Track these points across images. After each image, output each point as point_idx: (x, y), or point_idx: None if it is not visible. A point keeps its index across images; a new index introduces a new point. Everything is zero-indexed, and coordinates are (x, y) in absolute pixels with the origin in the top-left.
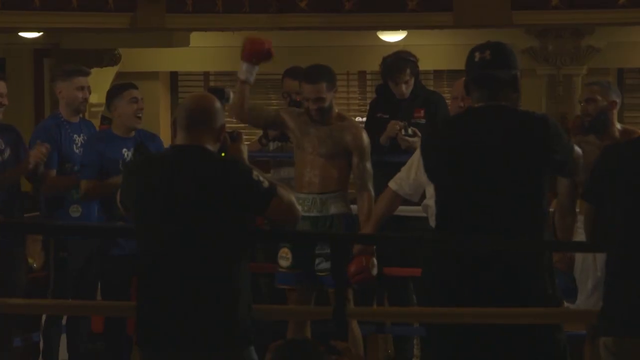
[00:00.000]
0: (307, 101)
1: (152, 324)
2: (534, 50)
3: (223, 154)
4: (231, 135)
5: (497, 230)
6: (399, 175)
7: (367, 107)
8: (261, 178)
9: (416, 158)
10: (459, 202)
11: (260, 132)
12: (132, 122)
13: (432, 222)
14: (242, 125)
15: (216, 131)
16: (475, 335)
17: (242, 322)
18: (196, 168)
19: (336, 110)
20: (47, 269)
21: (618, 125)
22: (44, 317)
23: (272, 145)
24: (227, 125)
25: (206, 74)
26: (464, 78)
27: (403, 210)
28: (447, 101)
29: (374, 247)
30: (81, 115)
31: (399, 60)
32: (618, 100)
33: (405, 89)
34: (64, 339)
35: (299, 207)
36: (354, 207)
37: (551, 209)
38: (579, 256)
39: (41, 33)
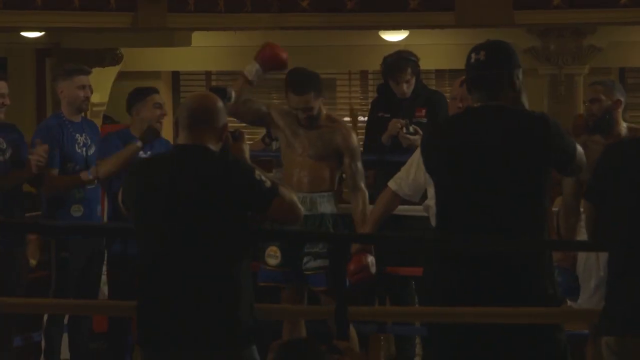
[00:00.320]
0: (296, 110)
1: (153, 324)
2: (535, 49)
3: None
4: (233, 134)
5: (497, 230)
6: (398, 175)
7: (369, 107)
8: (263, 177)
9: (416, 158)
10: (459, 202)
11: (262, 131)
12: (155, 127)
13: (434, 222)
14: (244, 124)
15: (218, 130)
16: (476, 335)
17: (243, 322)
18: (198, 167)
19: (324, 112)
20: (48, 268)
21: (624, 124)
22: (45, 316)
23: (274, 145)
24: (229, 124)
25: (208, 74)
26: (461, 78)
27: (403, 209)
28: (448, 101)
29: (372, 246)
30: (83, 115)
31: (399, 60)
32: (623, 99)
33: (407, 89)
34: (65, 338)
35: (301, 207)
36: (345, 206)
37: (556, 209)
38: (581, 255)
39: (43, 32)
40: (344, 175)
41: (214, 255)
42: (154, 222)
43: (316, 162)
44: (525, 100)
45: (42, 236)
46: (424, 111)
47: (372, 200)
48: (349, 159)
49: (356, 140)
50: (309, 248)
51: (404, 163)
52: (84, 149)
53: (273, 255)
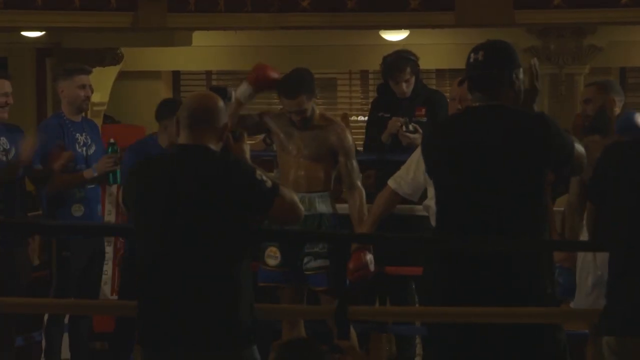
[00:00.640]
0: (290, 113)
1: (154, 324)
2: (535, 49)
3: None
4: (234, 134)
5: (497, 230)
6: (398, 173)
7: (369, 107)
8: (264, 177)
9: (415, 157)
10: (459, 202)
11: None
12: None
13: (434, 222)
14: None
15: (219, 130)
16: (476, 335)
17: (243, 322)
18: (199, 167)
19: (317, 112)
20: (49, 268)
21: None
22: (46, 316)
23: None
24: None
25: (208, 73)
26: (459, 79)
27: (403, 209)
28: (448, 101)
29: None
30: (83, 114)
31: (399, 60)
32: (618, 98)
33: (406, 88)
34: (66, 338)
35: (302, 207)
36: (344, 206)
37: (561, 208)
38: (578, 254)
39: (43, 32)
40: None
41: (214, 255)
42: (154, 222)
43: (311, 163)
44: (535, 105)
45: (42, 236)
46: (423, 110)
47: (373, 200)
48: (344, 157)
49: (350, 138)
50: (309, 248)
51: (404, 162)
52: (84, 148)
53: (272, 256)
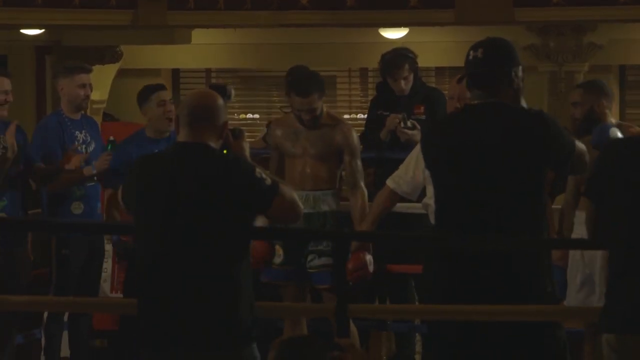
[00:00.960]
0: (300, 112)
1: (154, 323)
2: (535, 47)
3: (225, 151)
4: (234, 132)
5: (496, 228)
6: (396, 173)
7: (369, 105)
8: (264, 176)
9: (414, 156)
10: (459, 200)
11: (264, 129)
12: (162, 125)
13: (433, 220)
14: (245, 122)
15: (219, 128)
16: (476, 333)
17: (243, 321)
18: (198, 165)
19: (325, 111)
20: (49, 266)
21: (613, 121)
22: (45, 313)
23: None
24: (230, 122)
25: (208, 71)
26: (458, 77)
27: (403, 207)
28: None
29: (371, 244)
30: (83, 112)
31: (397, 57)
32: (607, 99)
33: (404, 85)
34: (65, 335)
35: (301, 205)
36: (344, 204)
37: (559, 206)
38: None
39: (43, 30)
40: (343, 173)
41: (214, 255)
42: (154, 221)
43: (317, 162)
44: (522, 100)
45: (42, 234)
46: (422, 108)
47: (372, 198)
48: (349, 156)
49: (356, 138)
50: (313, 246)
51: (402, 160)
52: (84, 146)
53: (277, 254)
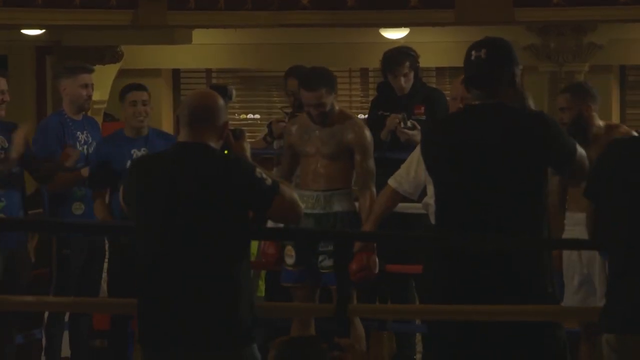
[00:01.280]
0: (308, 107)
1: (154, 324)
2: (535, 47)
3: (226, 152)
4: (234, 132)
5: (497, 228)
6: (398, 172)
7: (369, 105)
8: (264, 176)
9: (416, 155)
10: (459, 200)
11: (264, 129)
12: (133, 123)
13: (433, 220)
14: (245, 122)
15: (219, 128)
16: (476, 333)
17: (243, 321)
18: (199, 166)
19: (338, 109)
20: (49, 266)
21: (600, 123)
22: (46, 314)
23: (276, 144)
24: (230, 122)
25: (208, 71)
26: (461, 77)
27: (403, 207)
28: (448, 98)
29: (375, 244)
30: (84, 113)
31: (398, 54)
32: (593, 102)
33: (404, 83)
34: (65, 335)
35: (302, 205)
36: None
37: None
38: (564, 253)
39: (43, 30)
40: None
41: (214, 255)
42: (154, 221)
43: (330, 161)
44: (531, 102)
45: (43, 234)
46: (422, 108)
47: None
48: (360, 156)
49: (369, 138)
50: (323, 247)
51: (403, 160)
52: (85, 146)
53: (289, 255)
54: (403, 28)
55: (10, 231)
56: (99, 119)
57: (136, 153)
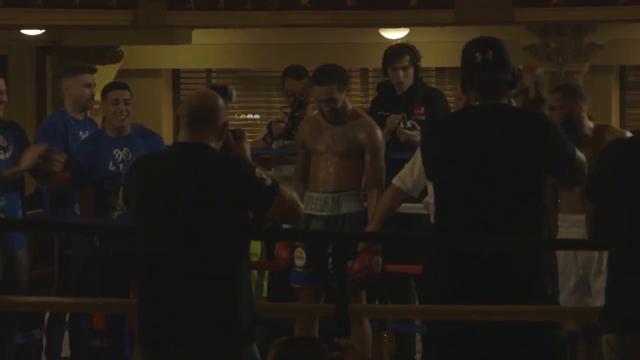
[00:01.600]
0: (320, 102)
1: (154, 324)
2: (535, 47)
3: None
4: (234, 132)
5: (497, 228)
6: (402, 172)
7: (369, 105)
8: (264, 176)
9: (419, 155)
10: (459, 200)
11: (264, 129)
12: (114, 122)
13: (433, 220)
14: (245, 122)
15: (219, 129)
16: (476, 333)
17: (243, 321)
18: (198, 166)
19: (350, 107)
20: (50, 265)
21: (590, 124)
22: (47, 314)
23: (275, 144)
24: (230, 122)
25: (208, 71)
26: None
27: (403, 207)
28: (448, 98)
29: (379, 244)
30: (85, 113)
31: (399, 47)
32: (584, 102)
33: (403, 78)
34: (65, 335)
35: (302, 205)
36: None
37: None
38: (560, 254)
39: (43, 30)
40: None
41: (214, 255)
42: (154, 222)
43: (341, 160)
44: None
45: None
46: (422, 109)
47: None
48: (371, 155)
49: (381, 137)
50: (333, 248)
51: (403, 160)
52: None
53: (299, 257)
54: (403, 28)
55: (10, 231)
56: (99, 119)
57: (118, 153)
